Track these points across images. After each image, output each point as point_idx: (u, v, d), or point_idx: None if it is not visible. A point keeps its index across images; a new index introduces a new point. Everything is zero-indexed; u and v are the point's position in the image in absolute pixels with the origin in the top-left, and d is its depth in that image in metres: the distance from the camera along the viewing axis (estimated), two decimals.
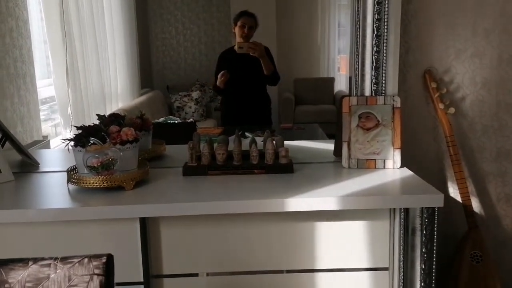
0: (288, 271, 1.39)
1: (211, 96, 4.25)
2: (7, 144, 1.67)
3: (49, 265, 0.87)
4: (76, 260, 0.86)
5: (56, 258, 0.87)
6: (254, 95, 2.81)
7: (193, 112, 4.00)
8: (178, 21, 4.25)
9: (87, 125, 1.44)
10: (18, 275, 0.87)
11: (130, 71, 3.38)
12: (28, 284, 0.86)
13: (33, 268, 0.87)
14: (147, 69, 4.16)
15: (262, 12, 3.59)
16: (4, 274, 0.87)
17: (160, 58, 4.32)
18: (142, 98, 3.61)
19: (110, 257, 0.88)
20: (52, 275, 0.86)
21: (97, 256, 0.87)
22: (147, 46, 4.21)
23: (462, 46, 1.77)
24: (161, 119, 3.12)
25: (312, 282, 1.40)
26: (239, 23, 2.72)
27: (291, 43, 4.30)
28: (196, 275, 1.38)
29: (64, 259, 0.87)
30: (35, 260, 0.88)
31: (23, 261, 0.88)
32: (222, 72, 2.58)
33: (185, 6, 4.19)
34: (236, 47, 2.64)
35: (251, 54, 2.61)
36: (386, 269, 1.40)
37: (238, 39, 2.71)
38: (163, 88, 4.22)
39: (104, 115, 1.59)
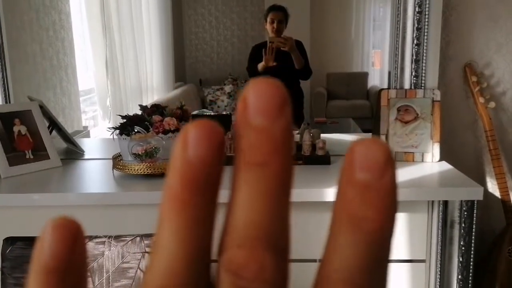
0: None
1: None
2: (54, 132, 1.74)
3: (103, 243, 0.91)
4: (129, 239, 0.91)
5: (110, 236, 0.92)
6: (287, 89, 2.82)
7: (225, 106, 4.06)
8: (211, 15, 4.30)
9: (131, 115, 1.50)
10: None
11: (165, 64, 3.46)
12: None
13: (88, 245, 0.92)
14: (181, 63, 4.24)
15: (295, 6, 3.60)
16: None
17: (193, 52, 4.39)
18: (176, 91, 3.69)
19: None
20: (107, 252, 0.91)
21: (148, 235, 0.91)
22: (181, 40, 4.29)
23: (503, 40, 1.75)
24: (195, 112, 3.18)
25: None
26: (268, 19, 2.73)
27: (325, 37, 4.29)
28: None
29: (117, 237, 0.92)
30: (90, 237, 0.93)
31: None
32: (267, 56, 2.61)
33: (219, 0, 4.24)
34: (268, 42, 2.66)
35: (281, 48, 2.62)
36: (423, 261, 1.41)
37: (270, 34, 2.72)
38: (196, 82, 4.30)
39: (146, 106, 1.64)
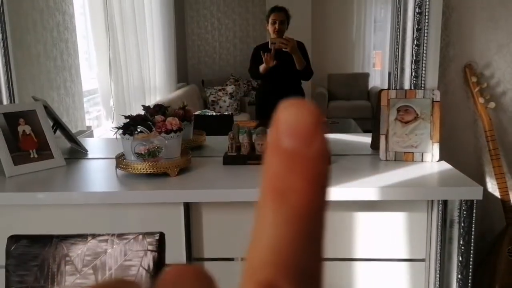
0: (325, 259, 1.42)
1: (245, 91, 4.31)
2: (58, 132, 1.76)
3: (106, 241, 0.93)
4: (131, 237, 0.93)
5: (113, 234, 0.94)
6: (288, 89, 2.83)
7: (227, 106, 4.07)
8: (213, 16, 4.32)
9: (134, 115, 1.51)
10: (78, 249, 0.94)
11: (167, 65, 3.48)
12: (87, 258, 0.93)
13: (92, 243, 0.93)
14: (183, 63, 4.26)
15: (297, 7, 3.61)
16: (65, 248, 0.94)
17: (196, 53, 4.41)
18: (179, 92, 3.71)
19: (162, 235, 0.94)
20: (109, 250, 0.92)
21: (150, 234, 0.93)
22: (183, 41, 4.31)
23: (503, 41, 1.76)
24: (197, 112, 3.20)
25: (349, 271, 1.43)
26: (270, 20, 2.74)
27: (326, 38, 4.30)
28: (232, 259, 1.43)
29: (120, 235, 0.93)
30: (94, 236, 0.94)
31: (83, 237, 0.95)
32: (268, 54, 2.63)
33: (221, 1, 4.26)
34: (269, 43, 2.68)
35: (283, 49, 2.63)
36: (422, 260, 1.42)
37: (272, 35, 2.73)
38: (198, 83, 4.32)
39: (148, 106, 1.66)
